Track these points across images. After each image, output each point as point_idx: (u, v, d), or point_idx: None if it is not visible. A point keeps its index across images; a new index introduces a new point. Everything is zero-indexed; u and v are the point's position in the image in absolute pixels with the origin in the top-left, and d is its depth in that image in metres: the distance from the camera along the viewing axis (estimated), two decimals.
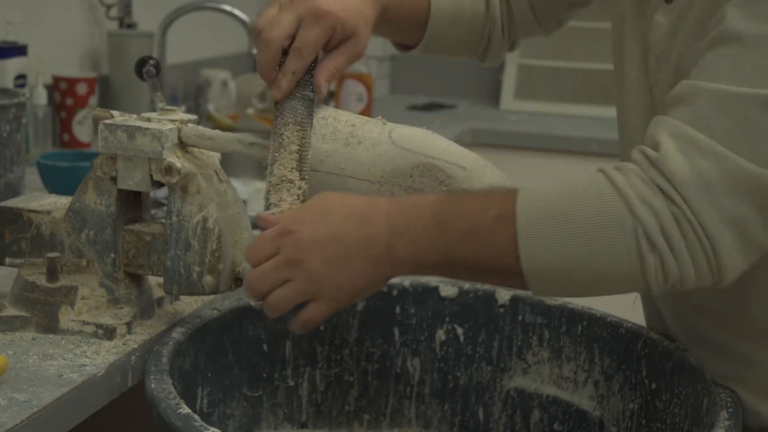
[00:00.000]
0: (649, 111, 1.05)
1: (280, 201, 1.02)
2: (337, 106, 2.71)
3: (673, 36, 1.00)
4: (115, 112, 1.12)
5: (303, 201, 1.01)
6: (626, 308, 1.63)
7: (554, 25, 1.29)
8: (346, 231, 0.94)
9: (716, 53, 0.89)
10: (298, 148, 1.02)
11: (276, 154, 1.03)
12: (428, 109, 3.14)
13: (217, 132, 1.09)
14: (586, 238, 0.88)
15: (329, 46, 1.07)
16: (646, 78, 1.05)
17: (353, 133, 1.03)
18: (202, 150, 1.10)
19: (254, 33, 1.05)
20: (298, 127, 1.03)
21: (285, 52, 1.04)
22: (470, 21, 1.25)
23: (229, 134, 1.09)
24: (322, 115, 1.05)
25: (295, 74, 1.04)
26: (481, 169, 1.02)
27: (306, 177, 1.02)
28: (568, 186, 0.91)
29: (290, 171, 1.02)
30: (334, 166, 1.03)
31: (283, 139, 1.03)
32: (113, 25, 2.37)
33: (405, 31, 1.23)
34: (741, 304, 1.00)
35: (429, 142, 1.03)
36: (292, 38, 1.03)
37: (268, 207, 1.02)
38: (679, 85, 0.91)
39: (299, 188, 1.02)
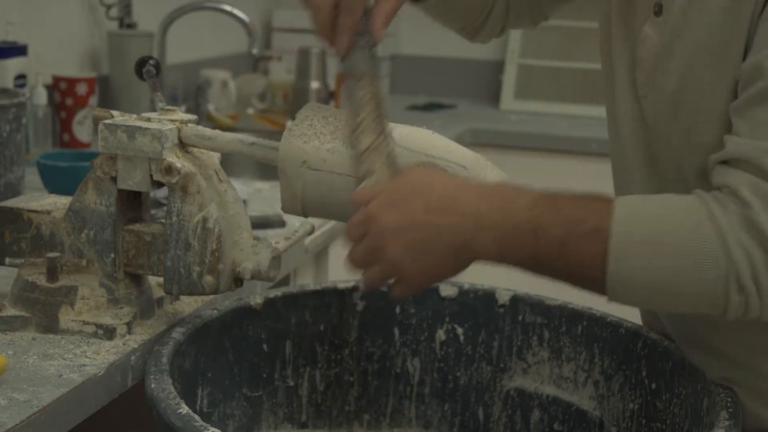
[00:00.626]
0: (638, 119, 1.05)
1: (368, 171, 1.01)
2: (337, 106, 2.71)
3: (667, 54, 0.99)
4: (115, 112, 1.12)
5: (390, 164, 1.01)
6: (626, 308, 1.62)
7: (540, 19, 1.30)
8: (429, 220, 0.94)
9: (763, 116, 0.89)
10: (375, 105, 1.03)
11: (355, 119, 1.03)
12: (428, 109, 3.14)
13: (217, 132, 1.09)
14: (677, 271, 0.89)
15: None
16: (634, 89, 1.05)
17: (353, 134, 1.03)
18: (202, 150, 1.10)
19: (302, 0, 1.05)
20: (369, 81, 1.04)
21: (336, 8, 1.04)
22: None
23: (229, 134, 1.09)
24: (323, 114, 1.06)
25: (351, 29, 1.04)
26: (481, 168, 1.02)
27: (388, 135, 1.02)
28: (667, 210, 0.91)
29: (372, 135, 1.02)
30: (336, 165, 1.03)
31: (358, 100, 1.03)
32: (113, 25, 2.37)
33: None
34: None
35: (430, 141, 1.03)
36: None
37: (359, 181, 1.01)
38: (731, 143, 0.91)
39: (383, 152, 1.02)
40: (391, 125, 1.05)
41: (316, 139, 1.04)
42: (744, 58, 0.92)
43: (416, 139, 1.03)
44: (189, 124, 1.09)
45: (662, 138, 1.02)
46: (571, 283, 0.96)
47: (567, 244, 0.91)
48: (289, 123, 2.58)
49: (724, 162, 0.92)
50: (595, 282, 0.92)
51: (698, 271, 0.88)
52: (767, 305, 0.89)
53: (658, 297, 0.92)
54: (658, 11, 1.00)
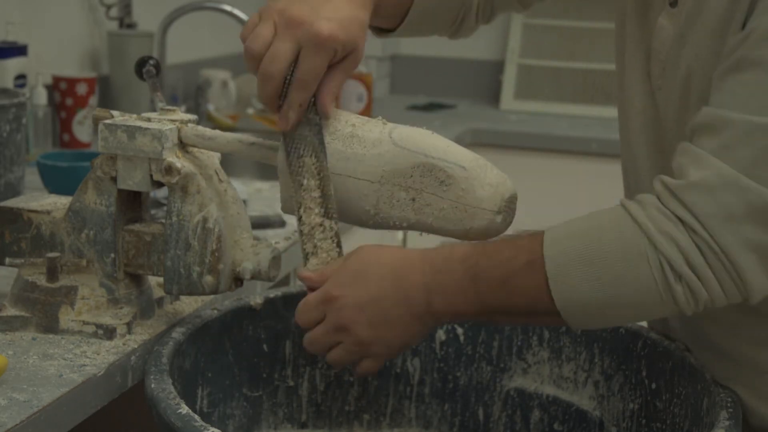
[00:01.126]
0: (650, 114, 1.05)
1: (315, 248, 1.03)
2: (337, 107, 2.70)
3: (681, 43, 0.99)
4: (115, 112, 1.12)
5: (337, 242, 1.03)
6: None
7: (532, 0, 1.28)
8: (384, 293, 0.98)
9: (739, 80, 0.89)
10: (319, 182, 1.02)
11: (299, 197, 1.02)
12: (428, 109, 3.14)
13: (217, 132, 1.09)
14: (613, 275, 0.90)
15: (329, 64, 1.03)
16: (648, 82, 1.05)
17: (353, 133, 1.03)
18: (202, 150, 1.10)
19: (249, 60, 1.00)
20: (314, 159, 1.02)
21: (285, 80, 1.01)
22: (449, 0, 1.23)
23: (229, 134, 1.09)
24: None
25: (301, 106, 1.01)
26: (481, 169, 1.02)
27: (334, 215, 1.02)
28: (591, 223, 0.93)
29: (317, 215, 1.02)
30: (334, 166, 1.03)
31: (302, 178, 1.02)
32: (113, 25, 2.37)
33: (388, 16, 1.21)
34: (757, 311, 1.00)
35: (429, 142, 1.03)
36: (293, 66, 0.99)
37: (306, 257, 1.03)
38: (703, 112, 0.91)
39: (330, 229, 1.03)
40: (391, 125, 1.05)
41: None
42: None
43: (415, 139, 1.03)
44: (189, 124, 1.09)
45: (673, 131, 1.01)
46: (529, 321, 1.01)
47: (508, 283, 0.94)
48: None
49: (693, 133, 0.92)
50: (548, 312, 0.93)
51: (632, 271, 0.89)
52: (713, 289, 0.89)
53: (610, 309, 0.93)
54: (674, 2, 1.00)
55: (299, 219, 1.03)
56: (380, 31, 1.24)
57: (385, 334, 0.99)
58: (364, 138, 1.03)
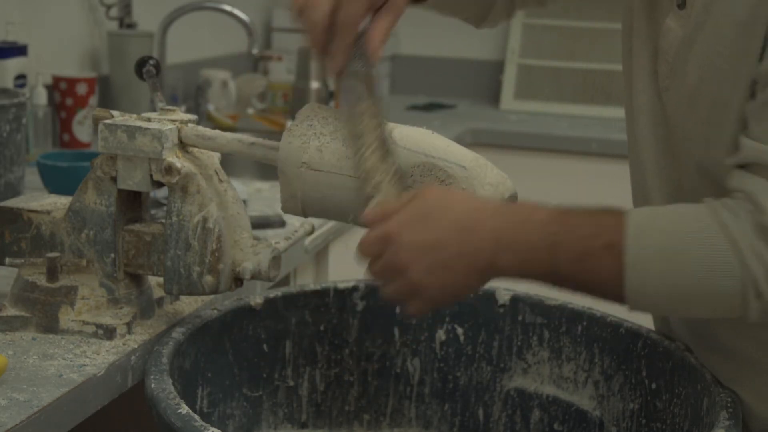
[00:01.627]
0: (658, 112, 1.05)
1: (376, 189, 1.01)
2: (337, 106, 2.70)
3: (689, 45, 0.99)
4: (115, 113, 1.11)
5: (398, 178, 1.01)
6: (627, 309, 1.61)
7: None
8: (448, 241, 0.95)
9: None
10: (376, 123, 1.02)
11: (359, 140, 1.02)
12: (428, 109, 3.14)
13: (217, 132, 1.09)
14: (693, 281, 0.90)
15: (373, 8, 1.05)
16: (656, 83, 1.05)
17: (353, 133, 1.03)
18: (202, 150, 1.10)
19: (294, 11, 1.03)
20: (368, 102, 1.03)
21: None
22: None
23: (229, 134, 1.09)
24: (323, 114, 1.05)
25: (345, 50, 1.02)
26: (481, 169, 1.02)
27: (392, 152, 1.02)
28: (679, 223, 0.93)
29: (377, 156, 1.01)
30: (336, 166, 1.03)
31: (358, 122, 1.02)
32: (113, 25, 2.37)
33: None
34: None
35: (429, 141, 1.03)
36: (333, 11, 1.01)
37: (366, 201, 1.01)
38: (748, 148, 0.92)
39: (391, 168, 1.01)
40: (391, 125, 1.05)
41: (315, 140, 1.03)
42: (761, 57, 0.92)
43: (416, 139, 1.03)
44: (189, 124, 1.09)
45: (681, 132, 1.01)
46: (592, 296, 0.98)
47: (584, 260, 0.93)
48: (289, 123, 2.59)
49: (741, 166, 0.93)
50: (615, 295, 0.94)
51: (714, 281, 0.90)
52: None
53: (677, 306, 0.94)
54: (681, 4, 1.00)
55: (358, 162, 1.01)
56: (414, 1, 1.24)
57: (441, 282, 0.96)
58: (364, 136, 1.03)
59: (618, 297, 0.94)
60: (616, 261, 0.92)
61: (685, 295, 0.92)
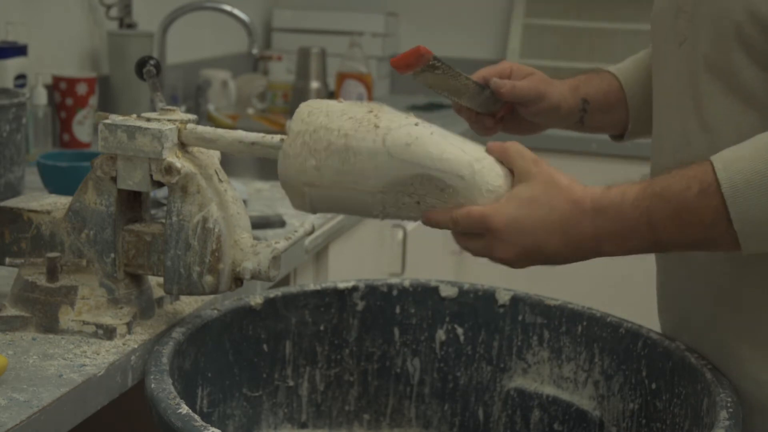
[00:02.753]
0: (683, 70, 1.06)
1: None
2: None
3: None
4: (114, 116, 1.11)
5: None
6: (627, 309, 1.63)
7: None
8: (550, 240, 0.98)
9: None
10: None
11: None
12: (428, 109, 3.14)
13: (218, 134, 1.08)
14: None
15: None
16: (675, 34, 1.06)
17: (347, 145, 1.01)
18: (202, 150, 1.10)
19: None
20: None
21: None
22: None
23: (230, 136, 1.08)
24: (313, 127, 1.03)
25: (484, 77, 1.28)
26: (479, 175, 1.01)
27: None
28: (762, 143, 0.92)
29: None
30: (335, 181, 1.02)
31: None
32: (113, 25, 2.37)
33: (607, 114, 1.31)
34: None
35: (423, 149, 1.01)
36: None
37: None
38: None
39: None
40: (384, 128, 1.02)
41: (312, 158, 1.02)
42: None
43: (410, 148, 1.00)
44: (189, 125, 1.09)
45: (707, 74, 1.03)
46: (703, 249, 0.99)
47: (682, 217, 0.94)
48: (288, 122, 2.59)
49: None
50: (724, 238, 0.93)
51: None
52: None
53: None
54: None
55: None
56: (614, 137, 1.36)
57: (542, 264, 1.01)
58: (359, 149, 1.01)
59: (729, 241, 0.93)
60: (715, 199, 0.92)
61: None
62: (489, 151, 1.04)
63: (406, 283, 1.24)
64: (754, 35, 0.96)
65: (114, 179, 1.09)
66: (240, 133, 1.08)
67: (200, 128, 1.08)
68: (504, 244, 0.99)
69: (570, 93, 1.29)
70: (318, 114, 1.04)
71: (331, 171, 1.02)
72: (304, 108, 1.05)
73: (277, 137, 1.07)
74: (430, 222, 1.03)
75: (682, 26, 1.06)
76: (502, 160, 1.03)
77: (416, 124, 1.02)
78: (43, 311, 1.09)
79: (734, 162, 0.92)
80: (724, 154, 0.93)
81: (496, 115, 1.32)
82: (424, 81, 1.14)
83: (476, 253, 1.03)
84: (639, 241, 0.96)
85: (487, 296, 1.23)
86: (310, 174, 1.02)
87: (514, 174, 1.02)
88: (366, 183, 1.02)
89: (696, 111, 1.04)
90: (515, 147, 1.03)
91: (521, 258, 1.00)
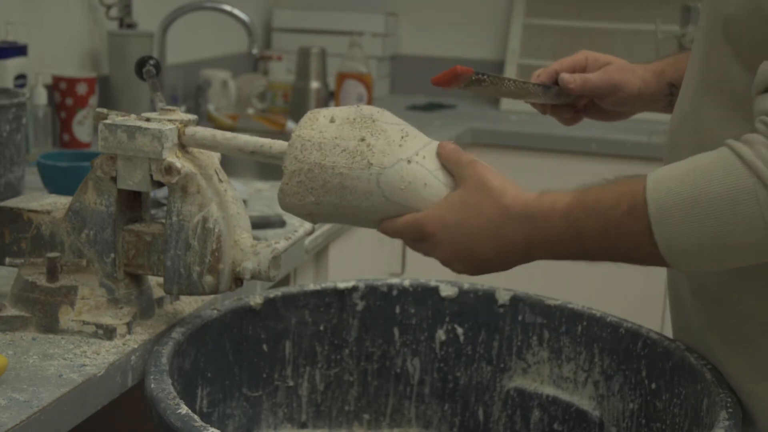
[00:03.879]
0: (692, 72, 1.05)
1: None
2: (337, 106, 2.70)
3: None
4: (113, 115, 1.11)
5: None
6: (627, 309, 1.63)
7: None
8: (482, 246, 1.00)
9: None
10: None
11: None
12: (428, 109, 3.14)
13: (217, 140, 1.08)
14: (719, 215, 0.89)
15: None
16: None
17: (343, 185, 1.01)
18: (202, 150, 1.10)
19: None
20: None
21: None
22: None
23: (232, 143, 1.07)
24: (307, 166, 1.02)
25: (550, 74, 1.32)
26: None
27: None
28: (695, 164, 0.92)
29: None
30: (333, 213, 1.03)
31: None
32: (113, 25, 2.37)
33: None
34: None
35: (416, 194, 1.01)
36: None
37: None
38: (763, 71, 0.91)
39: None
40: (377, 167, 1.01)
41: (310, 195, 1.02)
42: None
43: (404, 192, 1.01)
44: (188, 129, 1.09)
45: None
46: (632, 263, 0.99)
47: (610, 231, 0.94)
48: (289, 124, 2.59)
49: (765, 90, 0.92)
50: (652, 258, 0.93)
51: (740, 211, 0.88)
52: None
53: (715, 251, 0.91)
54: None
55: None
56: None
57: (478, 272, 1.02)
58: (355, 189, 1.01)
59: (657, 261, 0.93)
60: (642, 219, 0.91)
61: (717, 236, 0.89)
62: (438, 156, 1.04)
63: (406, 283, 1.24)
64: (743, 27, 0.96)
65: (114, 179, 1.09)
66: (240, 142, 1.07)
67: (200, 133, 1.08)
68: (440, 247, 1.01)
69: (654, 78, 1.26)
70: (311, 149, 1.03)
71: (330, 205, 1.03)
72: (297, 142, 1.03)
73: (276, 146, 1.06)
74: (386, 232, 1.05)
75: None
76: (444, 164, 1.04)
77: (408, 161, 1.02)
78: (43, 311, 1.09)
79: (665, 182, 0.92)
80: (657, 175, 0.93)
81: (576, 105, 1.30)
82: (474, 92, 1.15)
83: (425, 254, 1.05)
84: (567, 250, 0.97)
85: (487, 296, 1.23)
86: (310, 207, 1.04)
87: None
88: (364, 216, 1.04)
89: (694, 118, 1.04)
90: (450, 150, 1.04)
91: (457, 259, 1.01)
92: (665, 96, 1.27)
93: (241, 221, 1.10)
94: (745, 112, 0.95)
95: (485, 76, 1.11)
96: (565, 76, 1.25)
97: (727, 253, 0.91)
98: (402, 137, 1.03)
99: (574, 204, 0.96)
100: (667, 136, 1.12)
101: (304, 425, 1.23)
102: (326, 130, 1.03)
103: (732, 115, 0.98)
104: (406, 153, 1.02)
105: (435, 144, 1.05)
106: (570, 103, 1.31)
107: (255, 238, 1.12)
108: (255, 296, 1.18)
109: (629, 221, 0.92)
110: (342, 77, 2.73)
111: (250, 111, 2.76)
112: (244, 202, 1.41)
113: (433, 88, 3.42)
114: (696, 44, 1.07)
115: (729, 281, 1.02)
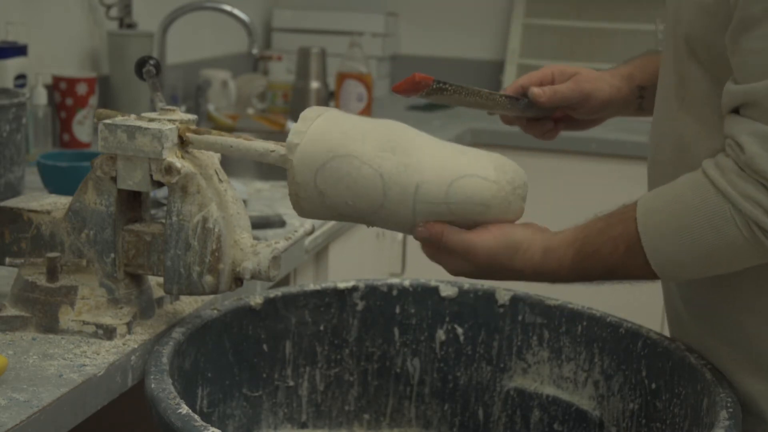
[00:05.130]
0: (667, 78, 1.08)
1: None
2: (337, 106, 2.71)
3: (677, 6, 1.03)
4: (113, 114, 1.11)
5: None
6: (627, 309, 1.63)
7: None
8: (494, 276, 1.08)
9: (748, 49, 0.93)
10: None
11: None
12: (428, 109, 3.14)
13: (219, 142, 1.08)
14: (704, 241, 0.97)
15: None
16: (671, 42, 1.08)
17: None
18: (202, 150, 1.10)
19: None
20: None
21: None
22: None
23: (234, 149, 1.07)
24: (304, 188, 1.04)
25: (519, 86, 1.31)
26: (505, 203, 1.06)
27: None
28: (676, 193, 1.00)
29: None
30: (347, 216, 1.06)
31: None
32: (113, 25, 2.37)
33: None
34: None
35: (449, 190, 1.03)
36: None
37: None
38: (735, 91, 0.95)
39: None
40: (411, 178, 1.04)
41: (322, 208, 1.06)
42: None
43: (440, 189, 1.03)
44: (189, 128, 1.09)
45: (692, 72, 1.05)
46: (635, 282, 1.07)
47: (615, 273, 1.04)
48: (289, 124, 2.58)
49: (734, 110, 0.97)
50: (647, 275, 1.02)
51: (722, 236, 0.96)
52: None
53: (707, 267, 1.00)
54: None
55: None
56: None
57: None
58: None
59: (651, 276, 1.02)
60: (639, 257, 1.00)
61: (706, 256, 0.97)
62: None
63: (406, 283, 1.24)
64: (702, 42, 0.99)
65: (114, 179, 1.09)
66: (242, 148, 1.07)
67: (202, 137, 1.08)
68: (449, 266, 1.08)
69: (624, 83, 1.28)
70: (310, 167, 1.04)
71: (330, 208, 1.05)
72: (293, 174, 1.05)
73: (276, 153, 1.06)
74: (422, 235, 1.06)
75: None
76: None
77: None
78: (43, 311, 1.09)
79: (652, 215, 0.99)
80: (645, 207, 1.00)
81: (551, 117, 1.31)
82: (437, 101, 1.15)
83: (438, 261, 1.09)
84: (572, 281, 1.06)
85: (487, 296, 1.23)
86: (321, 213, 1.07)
87: None
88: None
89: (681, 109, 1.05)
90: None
91: (467, 276, 1.08)
92: (636, 99, 1.29)
93: (241, 221, 1.10)
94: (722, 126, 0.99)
95: (447, 85, 1.11)
96: (535, 90, 1.25)
97: (713, 267, 1.00)
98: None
99: (578, 260, 1.04)
100: (648, 152, 1.14)
101: (304, 425, 1.23)
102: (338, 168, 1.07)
103: (711, 130, 1.02)
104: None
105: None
106: (545, 117, 1.30)
107: (255, 238, 1.12)
108: (255, 296, 1.18)
109: (629, 259, 1.01)
110: (342, 77, 2.73)
111: (250, 111, 2.76)
112: (244, 202, 1.41)
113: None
114: (665, 64, 1.08)
115: (716, 294, 1.07)
